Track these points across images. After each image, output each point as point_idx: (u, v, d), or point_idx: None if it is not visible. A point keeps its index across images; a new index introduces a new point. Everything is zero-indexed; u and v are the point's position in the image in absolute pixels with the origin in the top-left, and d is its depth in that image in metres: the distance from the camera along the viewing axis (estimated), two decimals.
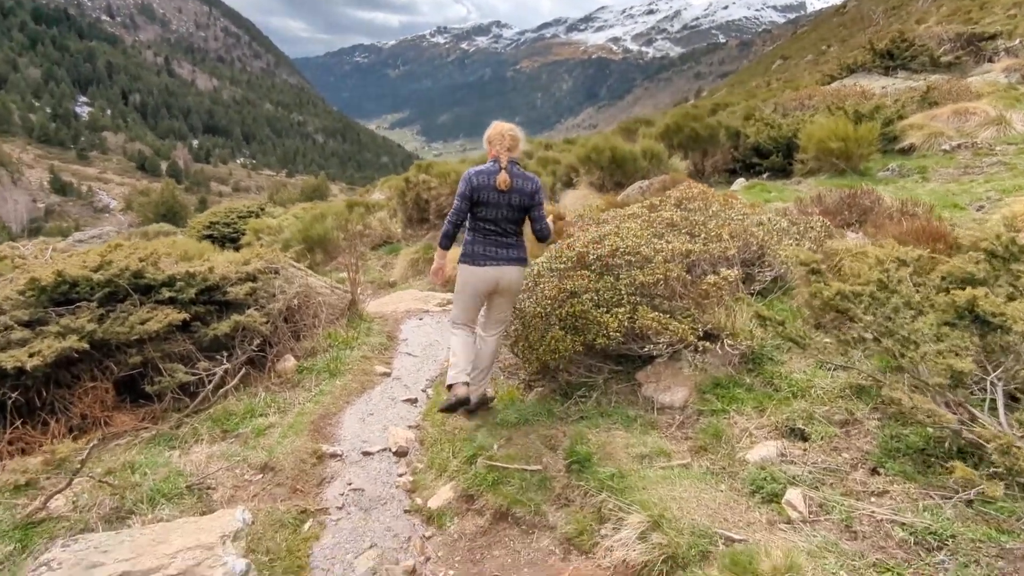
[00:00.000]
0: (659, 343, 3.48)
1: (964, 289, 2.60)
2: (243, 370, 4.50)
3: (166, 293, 4.18)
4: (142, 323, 3.93)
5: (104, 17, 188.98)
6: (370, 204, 13.51)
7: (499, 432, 3.42)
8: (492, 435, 3.39)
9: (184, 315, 4.04)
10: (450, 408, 3.51)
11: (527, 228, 3.67)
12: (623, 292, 3.50)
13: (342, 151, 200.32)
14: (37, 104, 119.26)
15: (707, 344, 3.42)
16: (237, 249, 14.93)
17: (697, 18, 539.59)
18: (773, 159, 10.60)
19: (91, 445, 3.05)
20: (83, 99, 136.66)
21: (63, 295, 4.01)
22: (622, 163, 9.37)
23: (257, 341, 4.54)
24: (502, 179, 3.39)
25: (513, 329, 3.99)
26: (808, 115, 11.28)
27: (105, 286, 4.07)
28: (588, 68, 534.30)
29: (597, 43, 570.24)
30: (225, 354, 4.43)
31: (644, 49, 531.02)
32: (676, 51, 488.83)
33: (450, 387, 3.52)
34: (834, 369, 3.28)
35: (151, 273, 4.20)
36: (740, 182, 10.56)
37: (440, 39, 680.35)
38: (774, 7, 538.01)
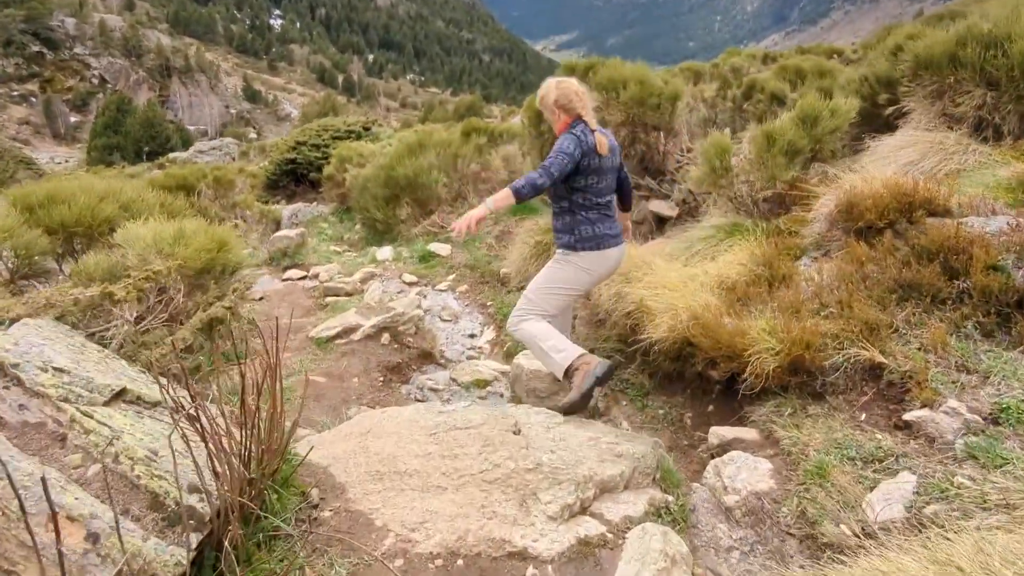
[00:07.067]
0: None
1: None
2: None
3: None
4: None
5: None
6: (497, 131, 8.97)
7: None
8: None
9: None
10: (600, 382, 2.63)
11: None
12: None
13: (507, 71, 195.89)
14: (238, 15, 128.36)
15: None
16: (317, 185, 11.12)
17: None
18: None
19: None
20: (276, 12, 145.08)
21: None
22: None
23: None
24: (601, 141, 2.72)
25: None
26: None
27: None
28: None
29: None
30: None
31: None
32: None
33: (573, 369, 2.65)
34: None
35: None
36: None
37: None
38: None
